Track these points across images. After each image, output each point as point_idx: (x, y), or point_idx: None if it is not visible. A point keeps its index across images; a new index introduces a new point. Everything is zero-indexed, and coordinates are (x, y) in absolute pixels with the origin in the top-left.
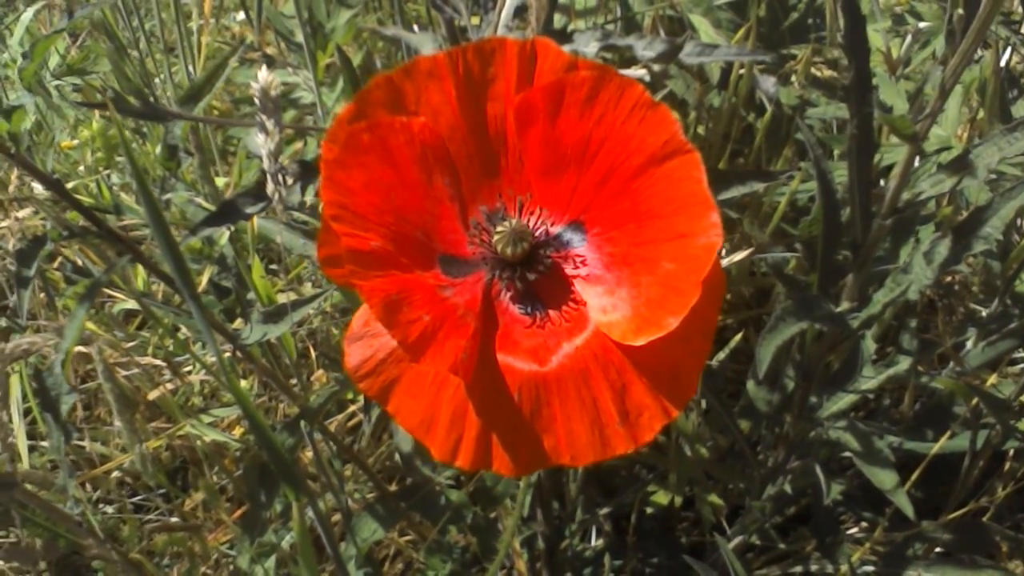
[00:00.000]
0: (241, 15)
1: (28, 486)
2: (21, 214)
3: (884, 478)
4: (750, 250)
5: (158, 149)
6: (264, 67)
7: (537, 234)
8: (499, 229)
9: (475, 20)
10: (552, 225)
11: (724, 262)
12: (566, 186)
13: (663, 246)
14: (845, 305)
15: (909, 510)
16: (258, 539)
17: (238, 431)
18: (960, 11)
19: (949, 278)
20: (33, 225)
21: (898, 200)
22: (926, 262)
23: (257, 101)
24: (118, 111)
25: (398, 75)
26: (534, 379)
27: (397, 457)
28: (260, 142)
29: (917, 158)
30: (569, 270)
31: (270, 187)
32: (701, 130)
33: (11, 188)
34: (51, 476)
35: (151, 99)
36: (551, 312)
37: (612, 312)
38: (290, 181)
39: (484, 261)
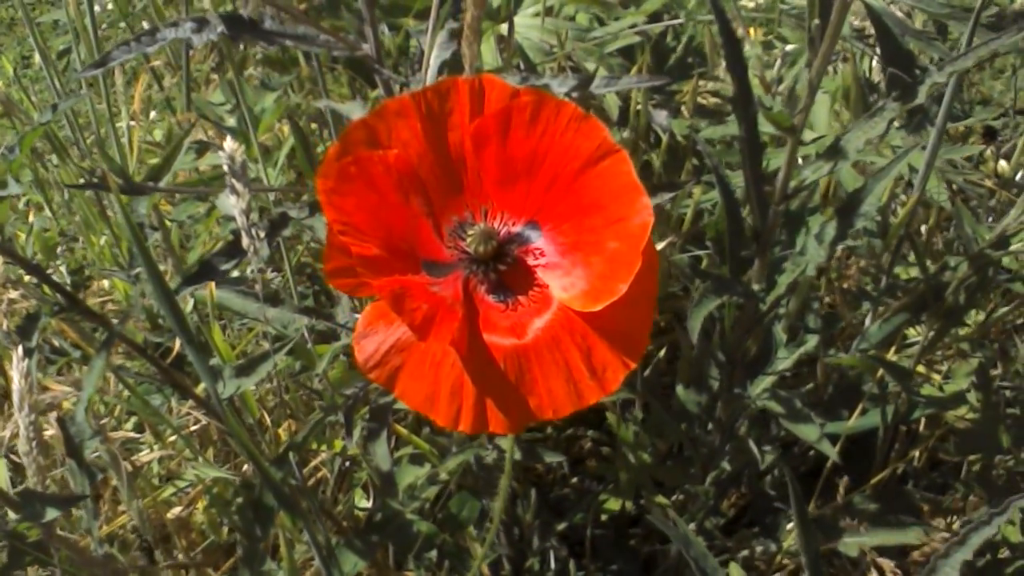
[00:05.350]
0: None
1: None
2: (12, 295)
3: (808, 431)
4: (670, 239)
5: (101, 240)
6: (228, 138)
7: (501, 234)
8: (470, 232)
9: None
10: (512, 226)
11: None
12: (519, 193)
13: (606, 230)
14: (755, 287)
15: (833, 454)
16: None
17: (201, 504)
18: (816, 21)
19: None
20: (21, 307)
21: (787, 188)
22: (818, 242)
23: (226, 167)
24: (99, 187)
25: (371, 117)
26: (515, 351)
27: (357, 512)
28: (232, 203)
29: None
30: (531, 261)
31: (245, 241)
32: None
33: None
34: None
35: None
36: (520, 297)
37: (571, 289)
38: (262, 235)
39: (460, 262)
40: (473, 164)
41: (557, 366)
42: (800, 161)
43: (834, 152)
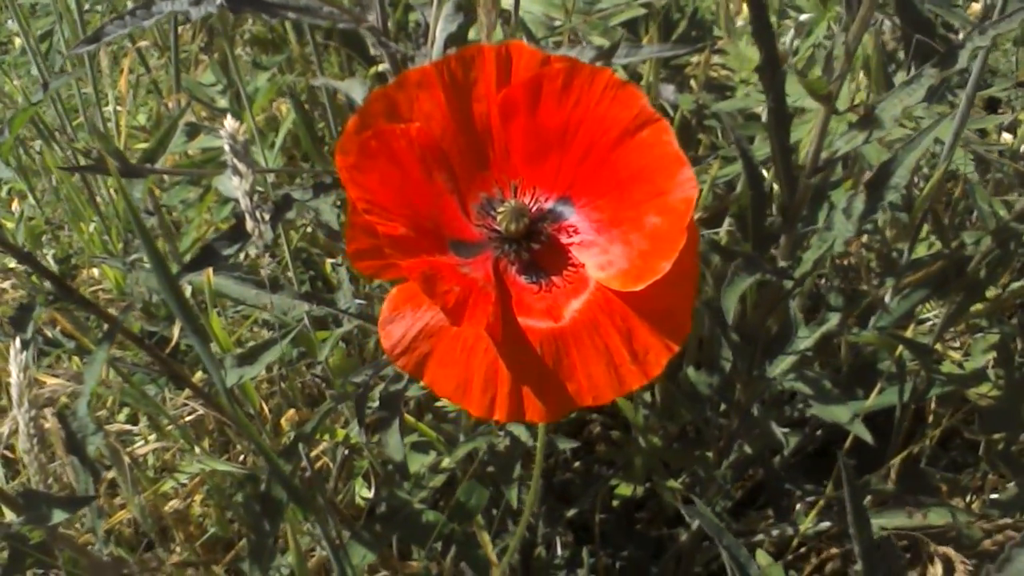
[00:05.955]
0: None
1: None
2: (3, 285)
3: (839, 413)
4: (698, 215)
5: (91, 228)
6: (229, 117)
7: (532, 211)
8: (501, 209)
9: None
10: (544, 202)
11: None
12: (551, 167)
13: (646, 204)
14: (782, 264)
15: (867, 436)
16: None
17: (199, 497)
18: None
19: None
20: (10, 298)
21: (818, 159)
22: (846, 217)
23: (227, 147)
24: (97, 170)
25: (391, 89)
26: (552, 334)
27: (358, 500)
28: (235, 184)
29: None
30: (564, 239)
31: (249, 224)
32: None
33: None
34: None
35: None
36: (554, 278)
37: (610, 268)
38: (267, 217)
39: (490, 241)
40: (500, 136)
41: (597, 350)
42: None
43: (869, 121)
